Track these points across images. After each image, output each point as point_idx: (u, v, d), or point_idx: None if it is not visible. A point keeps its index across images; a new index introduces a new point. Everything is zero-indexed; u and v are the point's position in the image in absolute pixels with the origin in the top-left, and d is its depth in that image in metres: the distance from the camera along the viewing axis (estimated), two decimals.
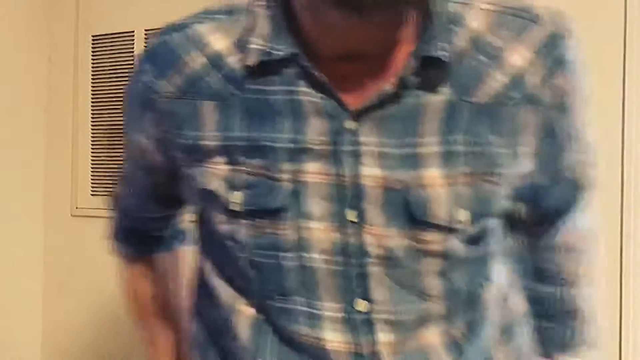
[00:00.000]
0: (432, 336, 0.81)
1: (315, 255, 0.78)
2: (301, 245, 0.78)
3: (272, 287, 0.79)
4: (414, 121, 0.77)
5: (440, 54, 0.76)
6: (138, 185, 0.98)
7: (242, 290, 0.83)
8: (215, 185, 0.79)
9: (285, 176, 0.77)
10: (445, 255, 0.78)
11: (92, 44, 2.53)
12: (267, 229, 0.78)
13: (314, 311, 0.79)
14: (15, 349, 2.53)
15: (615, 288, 1.78)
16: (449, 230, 0.77)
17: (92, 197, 2.53)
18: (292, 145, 0.77)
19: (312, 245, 0.78)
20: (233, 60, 0.80)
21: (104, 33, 2.51)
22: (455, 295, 0.81)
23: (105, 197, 2.51)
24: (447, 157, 0.77)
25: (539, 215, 0.91)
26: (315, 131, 0.77)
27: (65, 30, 2.57)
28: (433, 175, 0.76)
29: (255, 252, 0.79)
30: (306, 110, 0.77)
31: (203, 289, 0.90)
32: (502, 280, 0.87)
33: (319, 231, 0.77)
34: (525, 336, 0.91)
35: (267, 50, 0.77)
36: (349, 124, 0.76)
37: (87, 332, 2.54)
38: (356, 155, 0.76)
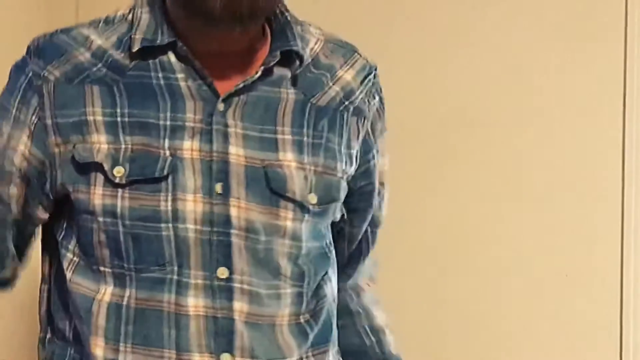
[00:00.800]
0: (282, 314, 0.90)
1: (188, 225, 0.86)
2: (176, 216, 0.86)
3: (149, 259, 0.86)
4: (272, 111, 0.91)
5: (297, 48, 0.92)
6: None
7: (109, 273, 0.88)
8: (100, 158, 0.86)
9: (163, 152, 0.86)
10: (293, 237, 0.90)
11: None
12: (147, 201, 0.86)
13: (183, 279, 0.86)
14: (16, 349, 2.52)
15: (616, 288, 1.78)
16: (302, 209, 0.90)
17: None
18: (170, 123, 0.87)
19: (185, 216, 0.86)
20: (115, 53, 0.90)
21: None
22: (303, 282, 0.92)
23: None
24: (297, 145, 0.91)
25: (351, 242, 1.08)
26: (190, 111, 0.88)
27: None
28: (288, 158, 0.90)
29: (133, 223, 0.86)
30: (183, 93, 0.88)
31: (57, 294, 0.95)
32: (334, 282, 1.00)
33: (191, 202, 0.86)
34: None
35: (149, 38, 0.89)
36: (220, 106, 0.88)
37: None
38: (225, 135, 0.88)
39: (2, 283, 1.05)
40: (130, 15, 0.93)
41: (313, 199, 0.91)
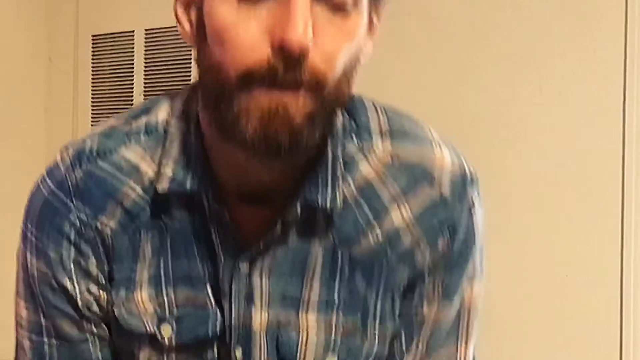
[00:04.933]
0: None
1: None
2: None
3: None
4: (300, 267, 0.78)
5: (323, 205, 0.75)
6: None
7: None
8: (145, 319, 0.78)
9: (211, 305, 0.78)
10: None
11: (92, 44, 2.53)
12: (198, 357, 0.79)
13: None
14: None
15: (616, 288, 1.78)
16: None
17: None
18: (209, 278, 0.78)
19: None
20: (160, 186, 0.77)
21: (104, 33, 2.51)
22: None
23: None
24: (325, 305, 0.78)
25: None
26: (213, 269, 0.77)
27: (65, 30, 2.57)
28: (310, 319, 0.78)
29: None
30: (210, 245, 0.77)
31: None
32: None
33: None
34: None
35: (178, 180, 0.76)
36: (243, 266, 0.77)
37: None
38: (249, 297, 0.78)
39: None
40: (163, 135, 0.79)
41: (331, 358, 0.79)
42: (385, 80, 1.91)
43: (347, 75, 0.69)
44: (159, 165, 0.77)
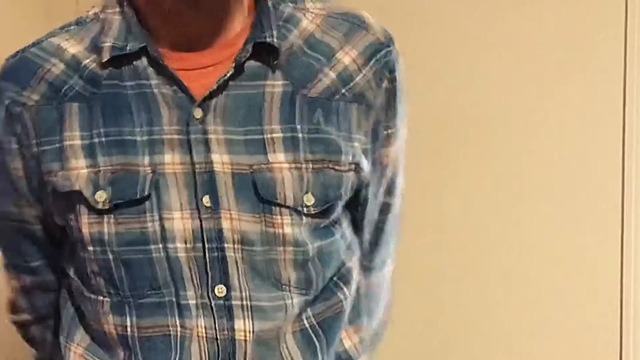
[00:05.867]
0: (288, 325, 0.85)
1: (178, 245, 0.81)
2: (165, 236, 0.81)
3: (144, 283, 0.82)
4: (255, 109, 0.82)
5: (270, 40, 0.82)
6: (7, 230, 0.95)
7: (107, 302, 0.84)
8: (80, 185, 0.82)
9: (144, 169, 0.81)
10: (295, 242, 0.83)
11: None
12: (133, 223, 0.81)
13: (181, 301, 0.82)
14: (16, 349, 2.52)
15: (616, 288, 1.78)
16: (297, 213, 0.82)
17: None
18: (147, 137, 0.81)
19: (174, 235, 0.81)
20: (89, 62, 0.84)
21: None
22: (310, 288, 0.85)
23: None
24: (290, 143, 0.82)
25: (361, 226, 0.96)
26: (166, 122, 0.81)
27: None
28: (278, 159, 0.81)
29: (122, 249, 0.81)
30: (157, 101, 0.82)
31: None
32: (354, 276, 0.92)
33: (179, 220, 0.81)
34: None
35: (118, 45, 0.83)
36: (197, 112, 0.81)
37: None
38: (205, 143, 0.81)
39: None
40: (103, 15, 0.88)
41: (310, 199, 0.83)
42: None
43: None
44: (87, 51, 0.85)
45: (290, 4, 0.88)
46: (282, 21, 0.85)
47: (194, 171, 0.81)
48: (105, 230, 0.82)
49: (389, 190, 0.97)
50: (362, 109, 0.87)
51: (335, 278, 0.89)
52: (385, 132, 0.91)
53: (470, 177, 1.86)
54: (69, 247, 0.89)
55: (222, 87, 0.82)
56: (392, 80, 0.90)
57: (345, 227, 0.91)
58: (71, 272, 0.90)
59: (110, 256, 0.82)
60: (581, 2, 1.81)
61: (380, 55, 0.88)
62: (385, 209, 0.97)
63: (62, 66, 0.85)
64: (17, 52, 0.91)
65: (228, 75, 0.81)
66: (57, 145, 0.83)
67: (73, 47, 0.86)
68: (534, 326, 1.85)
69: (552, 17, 1.83)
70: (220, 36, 0.83)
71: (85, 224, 0.83)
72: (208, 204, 0.81)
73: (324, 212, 0.85)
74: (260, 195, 0.81)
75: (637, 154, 1.77)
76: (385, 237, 1.00)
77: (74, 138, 0.83)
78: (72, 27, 0.90)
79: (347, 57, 0.86)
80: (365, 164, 0.88)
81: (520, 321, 1.86)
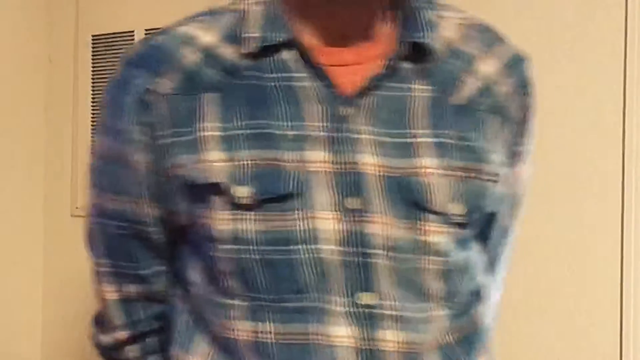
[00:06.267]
0: (433, 339, 0.80)
1: (326, 246, 0.75)
2: (310, 237, 0.75)
3: (287, 286, 0.76)
4: (404, 111, 0.79)
5: (426, 41, 0.80)
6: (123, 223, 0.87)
7: (242, 307, 0.79)
8: (219, 178, 0.76)
9: (289, 164, 0.76)
10: (441, 252, 0.78)
11: (92, 44, 2.53)
12: (277, 221, 0.75)
13: (325, 306, 0.76)
14: (16, 349, 2.52)
15: (616, 288, 1.78)
16: (445, 221, 0.78)
17: None
18: (292, 132, 0.77)
19: (322, 236, 0.75)
20: (225, 52, 0.80)
21: (104, 33, 2.51)
22: (452, 300, 0.81)
23: None
24: (440, 148, 0.78)
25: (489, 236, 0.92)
26: (313, 118, 0.77)
27: (65, 30, 2.57)
28: (429, 164, 0.78)
29: (265, 249, 0.76)
30: (302, 96, 0.78)
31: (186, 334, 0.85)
32: (490, 295, 0.89)
33: (327, 221, 0.75)
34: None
35: (264, 36, 0.79)
36: (344, 110, 0.77)
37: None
38: (353, 142, 0.77)
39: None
40: (242, 5, 0.82)
41: (457, 208, 0.78)
42: None
43: None
44: (225, 40, 0.80)
45: (429, 11, 0.84)
46: (427, 26, 0.82)
47: (340, 171, 0.76)
48: (246, 227, 0.76)
49: (512, 213, 0.93)
50: (500, 121, 0.84)
51: (474, 294, 0.85)
52: (516, 149, 0.87)
53: None
54: (191, 250, 0.83)
55: (372, 86, 0.78)
56: (529, 96, 0.87)
57: (474, 235, 0.85)
58: (193, 277, 0.83)
59: (251, 256, 0.76)
60: (581, 2, 1.81)
61: (520, 69, 0.87)
62: (504, 233, 0.93)
63: (197, 55, 0.80)
64: (142, 42, 0.85)
65: (381, 73, 0.78)
66: (191, 137, 0.78)
67: (208, 36, 0.81)
68: (534, 326, 1.84)
69: (551, 17, 1.83)
70: (366, 32, 0.81)
71: (222, 220, 0.77)
72: (355, 206, 0.76)
73: (469, 223, 0.81)
74: (410, 200, 0.77)
75: (637, 154, 1.77)
76: (499, 265, 0.95)
77: (211, 129, 0.77)
78: (205, 17, 0.84)
79: (488, 67, 0.84)
80: (502, 178, 0.84)
81: (520, 321, 1.86)
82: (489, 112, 0.83)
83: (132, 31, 2.43)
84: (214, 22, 0.82)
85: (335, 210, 0.76)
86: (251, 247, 0.76)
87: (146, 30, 2.39)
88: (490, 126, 0.83)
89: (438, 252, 0.78)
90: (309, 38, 0.80)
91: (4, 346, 2.47)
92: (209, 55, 0.80)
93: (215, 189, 0.77)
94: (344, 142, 0.77)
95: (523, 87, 0.86)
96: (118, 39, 2.47)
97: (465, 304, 0.83)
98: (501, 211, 0.89)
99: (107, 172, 0.85)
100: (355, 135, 0.77)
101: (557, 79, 1.82)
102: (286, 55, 0.79)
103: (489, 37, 0.87)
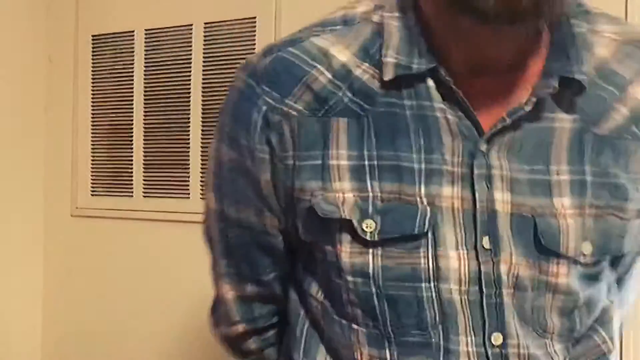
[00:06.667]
0: None
1: (453, 286, 0.74)
2: (438, 276, 0.73)
3: (409, 322, 0.75)
4: (543, 146, 0.74)
5: (579, 76, 0.73)
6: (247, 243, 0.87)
7: (364, 333, 0.77)
8: (346, 212, 0.74)
9: (420, 199, 0.73)
10: (567, 291, 0.76)
11: (92, 44, 2.53)
12: (403, 258, 0.74)
13: (450, 345, 0.74)
14: (15, 349, 2.52)
15: None
16: (573, 262, 0.75)
17: (92, 197, 2.53)
18: (425, 165, 0.73)
19: (449, 275, 0.73)
20: (361, 73, 0.75)
21: (104, 33, 2.51)
22: (571, 334, 0.79)
23: (106, 197, 2.51)
24: (577, 187, 0.74)
25: None
26: (448, 151, 0.73)
27: (65, 30, 2.57)
28: (563, 204, 0.74)
29: (389, 284, 0.74)
30: (440, 128, 0.73)
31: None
32: (613, 316, 0.85)
33: (455, 260, 0.73)
34: None
35: (405, 64, 0.73)
36: (481, 145, 0.73)
37: (88, 333, 2.54)
38: (489, 179, 0.73)
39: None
40: (377, 17, 0.77)
41: (587, 248, 0.75)
42: None
43: None
44: (358, 60, 0.75)
45: (584, 24, 0.77)
46: (577, 48, 0.75)
47: (475, 209, 0.73)
48: (371, 262, 0.74)
49: None
50: None
51: (596, 320, 0.83)
52: None
53: None
54: (313, 266, 0.81)
55: (513, 120, 0.73)
56: None
57: (606, 266, 0.81)
58: (315, 292, 0.82)
59: (374, 290, 0.75)
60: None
61: None
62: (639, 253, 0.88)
63: (329, 75, 0.76)
64: (271, 50, 0.79)
65: (526, 111, 0.73)
66: (319, 162, 0.75)
67: (342, 54, 0.76)
68: None
69: None
70: (513, 61, 0.75)
71: (347, 252, 0.75)
72: (488, 246, 0.73)
73: (599, 263, 0.78)
74: (540, 242, 0.74)
75: None
76: (628, 281, 0.90)
77: (340, 157, 0.74)
78: (337, 27, 0.78)
79: None
80: None
81: None
82: (638, 142, 0.77)
83: (132, 31, 2.43)
84: (349, 37, 0.77)
85: (464, 249, 0.74)
86: (374, 282, 0.75)
87: (146, 30, 2.39)
88: (638, 157, 0.77)
89: (563, 291, 0.76)
90: (451, 65, 0.74)
91: (4, 346, 2.47)
92: (343, 76, 0.76)
93: (342, 221, 0.75)
94: (479, 179, 0.73)
95: None
96: (118, 39, 2.47)
97: (584, 333, 0.81)
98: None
99: (229, 180, 0.83)
100: (490, 172, 0.73)
101: None
102: (426, 82, 0.74)
103: None
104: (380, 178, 0.74)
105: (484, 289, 0.74)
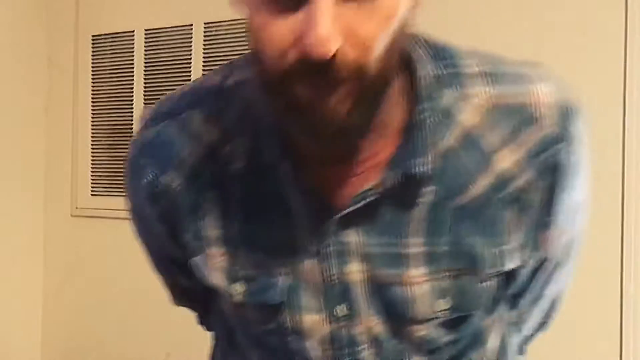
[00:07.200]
0: None
1: (313, 344, 0.80)
2: (300, 334, 0.80)
3: None
4: (397, 223, 0.76)
5: (420, 170, 0.74)
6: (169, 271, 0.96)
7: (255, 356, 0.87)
8: (217, 277, 0.81)
9: (280, 271, 0.79)
10: (427, 341, 0.80)
11: (92, 44, 2.53)
12: (270, 316, 0.80)
13: None
14: (16, 349, 2.53)
15: (616, 289, 1.79)
16: (430, 320, 0.78)
17: (92, 197, 2.53)
18: (284, 241, 0.78)
19: (309, 335, 0.80)
20: (227, 152, 0.80)
21: (104, 33, 2.51)
22: None
23: (106, 197, 2.52)
24: (431, 257, 0.76)
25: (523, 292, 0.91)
26: (303, 229, 0.78)
27: (65, 30, 2.57)
28: (416, 273, 0.76)
29: (262, 332, 0.82)
30: (294, 207, 0.77)
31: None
32: (495, 345, 0.88)
33: (314, 322, 0.79)
34: None
35: (257, 152, 0.78)
36: (334, 225, 0.76)
37: (87, 332, 2.54)
38: (342, 254, 0.77)
39: None
40: (232, 104, 0.81)
41: (444, 305, 0.78)
42: None
43: (393, 50, 0.68)
44: (225, 140, 0.79)
45: (456, 88, 0.76)
46: (439, 115, 0.75)
47: (330, 281, 0.78)
48: (245, 314, 0.82)
49: (547, 278, 0.91)
50: (517, 209, 0.78)
51: (467, 348, 0.85)
52: (545, 220, 0.82)
53: None
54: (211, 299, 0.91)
55: (365, 197, 0.75)
56: (560, 176, 0.80)
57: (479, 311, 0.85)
58: (217, 325, 0.92)
59: (252, 332, 0.85)
60: (581, 2, 1.81)
61: (549, 154, 0.77)
62: (535, 299, 0.93)
63: (201, 151, 0.81)
64: (155, 119, 0.84)
65: (369, 200, 0.75)
66: (195, 230, 0.81)
67: (210, 133, 0.81)
68: None
69: (551, 17, 1.83)
70: (362, 154, 0.76)
71: (226, 304, 0.84)
72: (344, 312, 0.79)
73: (458, 319, 0.80)
74: (394, 308, 0.78)
75: (637, 155, 1.77)
76: (527, 323, 0.96)
77: (212, 227, 0.80)
78: (210, 101, 0.82)
79: (508, 160, 0.76)
80: (517, 263, 0.81)
81: None
82: (503, 206, 0.77)
83: (132, 31, 2.43)
84: (217, 112, 0.81)
85: (324, 315, 0.79)
86: (250, 328, 0.84)
87: (146, 30, 2.39)
88: (505, 219, 0.78)
89: (423, 340, 0.80)
90: (302, 152, 0.76)
91: (4, 346, 2.47)
92: (213, 152, 0.80)
93: (214, 285, 0.82)
94: (332, 255, 0.77)
95: (549, 171, 0.78)
96: (118, 39, 2.47)
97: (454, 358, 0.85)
98: (526, 272, 0.85)
99: (137, 221, 0.91)
100: (343, 247, 0.77)
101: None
102: (279, 166, 0.77)
103: (518, 119, 0.76)
104: (245, 249, 0.80)
105: (342, 348, 0.80)
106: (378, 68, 0.67)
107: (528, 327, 0.98)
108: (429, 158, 0.74)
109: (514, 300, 0.90)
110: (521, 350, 1.00)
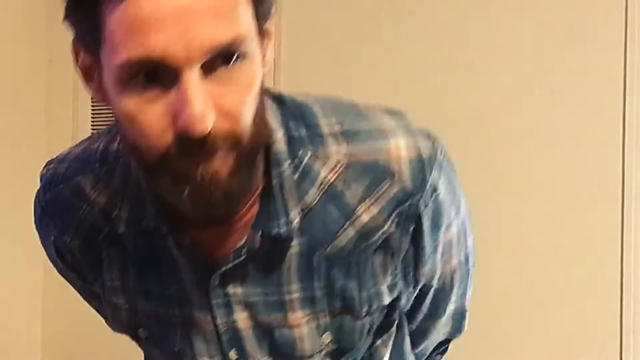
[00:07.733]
0: None
1: None
2: None
3: None
4: (274, 270, 0.82)
5: (280, 231, 0.79)
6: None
7: None
8: (123, 324, 0.90)
9: (176, 320, 0.86)
10: None
11: None
12: (171, 357, 0.90)
13: None
14: (16, 349, 2.53)
15: (616, 288, 1.79)
16: (317, 353, 0.86)
17: None
18: (176, 294, 0.85)
19: None
20: (116, 215, 0.85)
21: None
22: None
23: None
24: (308, 301, 0.83)
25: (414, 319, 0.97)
26: (189, 284, 0.84)
27: (65, 30, 2.57)
28: (298, 316, 0.84)
29: None
30: (180, 264, 0.84)
31: None
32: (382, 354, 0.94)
33: None
34: None
35: (135, 220, 0.83)
36: (215, 280, 0.82)
37: (88, 333, 2.54)
38: (227, 306, 0.84)
39: None
40: (116, 170, 0.86)
41: (326, 338, 0.85)
42: (385, 78, 1.91)
43: (260, 113, 0.73)
44: (114, 204, 0.85)
45: (314, 149, 0.80)
46: (298, 175, 0.80)
47: (219, 330, 0.85)
48: (155, 351, 0.92)
49: (435, 294, 0.94)
50: (385, 253, 0.83)
51: None
52: (416, 260, 0.86)
53: (471, 176, 1.86)
54: None
55: (242, 252, 0.81)
56: (422, 224, 0.83)
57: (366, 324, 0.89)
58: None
59: None
60: (581, 2, 1.81)
61: (404, 208, 0.81)
62: (430, 317, 0.97)
63: (95, 213, 0.87)
64: (53, 181, 0.89)
65: (242, 259, 0.81)
66: (101, 281, 0.89)
67: (101, 196, 0.86)
68: (534, 326, 1.85)
69: (551, 17, 1.83)
70: (234, 215, 0.80)
71: (137, 341, 0.93)
72: (235, 357, 0.87)
73: (344, 350, 0.87)
74: (281, 349, 0.85)
75: (638, 154, 1.77)
76: (423, 340, 1.01)
77: (114, 278, 0.88)
78: (96, 166, 0.87)
79: (367, 214, 0.80)
80: (395, 294, 0.86)
81: (520, 321, 1.86)
82: (371, 252, 0.82)
83: None
84: (104, 177, 0.86)
85: (218, 358, 0.87)
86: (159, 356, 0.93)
87: None
88: (374, 262, 0.83)
89: None
90: (174, 215, 0.80)
91: (4, 346, 2.47)
92: (105, 215, 0.86)
93: (124, 332, 0.92)
94: (218, 307, 0.84)
95: (409, 222, 0.82)
96: None
97: None
98: (405, 300, 0.90)
99: (55, 267, 0.97)
100: (228, 299, 0.84)
101: (557, 79, 1.82)
102: (160, 229, 0.82)
103: (373, 176, 0.80)
104: (144, 300, 0.87)
105: None
106: (251, 133, 0.71)
107: (435, 335, 1.02)
108: (291, 217, 0.80)
109: (410, 315, 0.95)
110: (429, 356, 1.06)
